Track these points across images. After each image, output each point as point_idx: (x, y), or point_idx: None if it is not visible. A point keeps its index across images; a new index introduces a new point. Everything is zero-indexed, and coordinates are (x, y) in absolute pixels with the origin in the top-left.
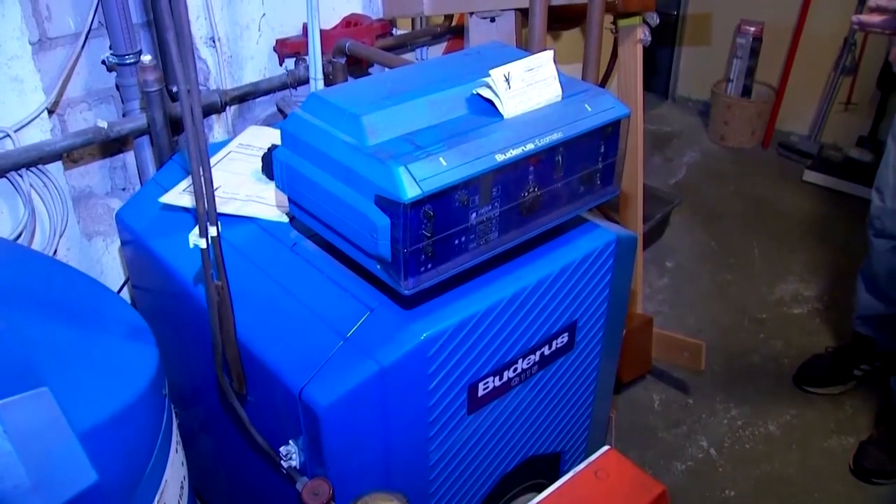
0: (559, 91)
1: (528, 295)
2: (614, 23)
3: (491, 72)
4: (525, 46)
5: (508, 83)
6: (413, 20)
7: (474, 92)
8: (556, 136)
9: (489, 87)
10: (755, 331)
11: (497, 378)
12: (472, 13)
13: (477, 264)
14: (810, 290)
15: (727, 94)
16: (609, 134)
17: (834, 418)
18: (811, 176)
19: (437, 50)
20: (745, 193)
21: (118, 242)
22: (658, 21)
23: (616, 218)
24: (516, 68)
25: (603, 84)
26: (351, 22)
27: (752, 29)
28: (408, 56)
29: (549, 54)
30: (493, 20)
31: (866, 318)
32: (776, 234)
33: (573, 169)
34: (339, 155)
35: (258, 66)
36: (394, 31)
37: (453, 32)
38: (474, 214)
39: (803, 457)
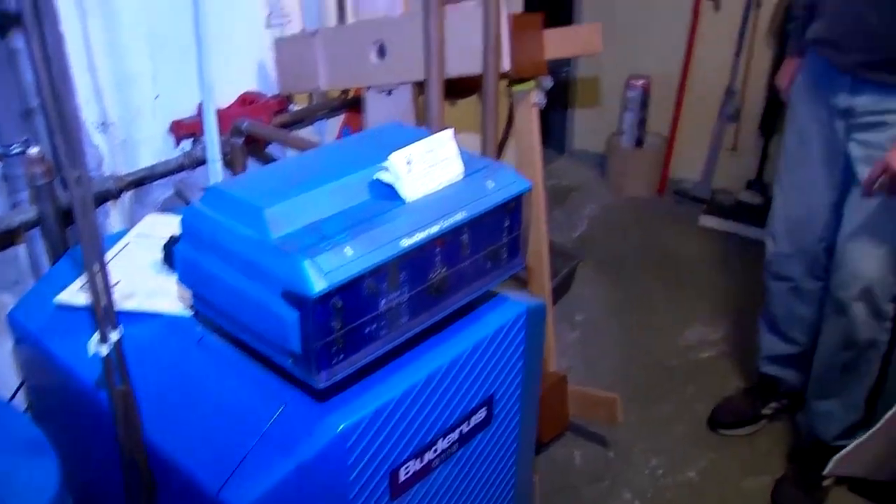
0: (461, 169)
1: (443, 375)
2: (509, 86)
3: (391, 156)
4: (422, 118)
5: (409, 166)
6: (310, 94)
7: (376, 177)
8: (460, 217)
9: (391, 171)
10: (667, 378)
11: (418, 461)
12: (368, 87)
13: (390, 349)
14: (716, 334)
15: (621, 146)
16: (512, 208)
17: (749, 459)
18: (707, 221)
19: (335, 122)
20: (646, 242)
21: (11, 342)
22: (552, 84)
23: (525, 277)
24: (417, 150)
25: (501, 146)
26: (247, 100)
27: (640, 83)
28: (307, 130)
29: (448, 134)
30: (389, 94)
31: (771, 358)
32: (679, 280)
33: (479, 246)
34: (242, 250)
35: (154, 148)
36: (291, 107)
37: (350, 105)
38: (384, 301)
39: (723, 500)
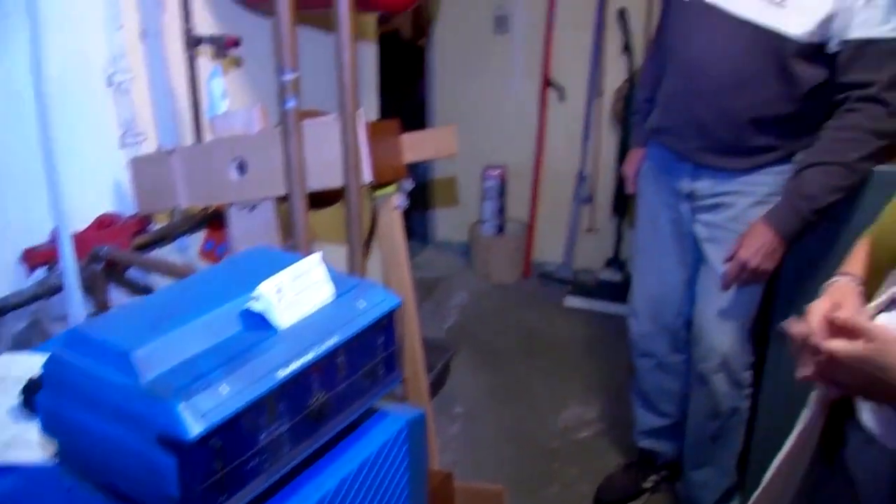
0: (331, 291)
1: (332, 499)
2: (371, 192)
3: (261, 286)
4: (286, 232)
5: (280, 294)
6: (171, 212)
7: (247, 306)
8: (334, 341)
9: (261, 300)
10: (550, 461)
11: None
12: (230, 204)
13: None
14: (593, 412)
15: (483, 235)
16: (385, 325)
17: None
18: (572, 301)
19: (197, 238)
20: (516, 326)
21: None
22: (413, 185)
23: (402, 387)
24: (286, 278)
25: (367, 246)
26: (104, 222)
27: (496, 172)
28: (169, 248)
29: (316, 258)
30: (252, 209)
31: (646, 433)
32: (552, 362)
33: (356, 367)
34: (111, 397)
35: (5, 279)
36: (151, 226)
37: (212, 218)
38: (264, 434)
39: None
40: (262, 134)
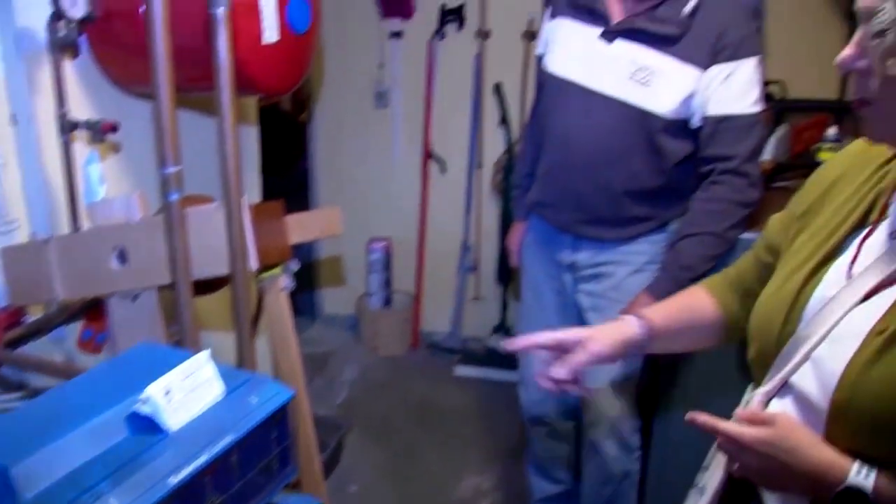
0: (222, 388)
1: None
2: (257, 275)
3: (148, 388)
4: (170, 319)
5: (168, 396)
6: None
7: (134, 409)
8: (226, 441)
9: (149, 403)
10: None
11: None
12: (111, 294)
13: None
14: (488, 483)
15: (371, 308)
16: (279, 419)
17: None
18: (462, 370)
19: (75, 328)
20: (408, 399)
21: None
22: (299, 266)
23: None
24: (174, 378)
25: (254, 326)
26: None
27: (381, 245)
28: (45, 340)
29: (205, 356)
30: (134, 299)
31: (542, 500)
32: (446, 433)
33: (250, 465)
34: None
35: None
36: (25, 319)
37: (90, 307)
38: None
39: None
40: (144, 222)
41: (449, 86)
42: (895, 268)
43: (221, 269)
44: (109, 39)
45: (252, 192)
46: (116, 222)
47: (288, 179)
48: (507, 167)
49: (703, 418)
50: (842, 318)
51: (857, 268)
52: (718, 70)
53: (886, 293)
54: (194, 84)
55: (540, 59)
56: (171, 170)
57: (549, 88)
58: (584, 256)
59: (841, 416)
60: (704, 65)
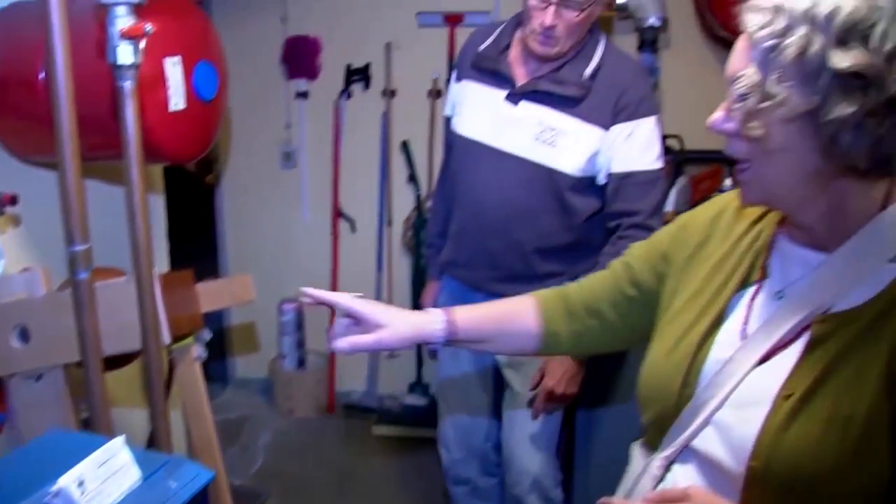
0: (138, 475)
1: None
2: (168, 346)
3: (60, 480)
4: (80, 396)
5: (82, 487)
6: None
7: (45, 502)
8: None
9: (61, 496)
10: None
11: None
12: (11, 374)
13: None
14: None
15: (284, 370)
16: (199, 501)
17: None
18: (380, 429)
19: None
20: (326, 462)
21: None
22: (210, 335)
23: None
24: (88, 468)
25: (166, 399)
26: None
27: (293, 305)
28: None
29: (119, 442)
30: (38, 379)
31: None
32: (366, 496)
33: None
34: None
35: None
36: None
37: None
38: None
39: None
40: (48, 297)
41: (356, 144)
42: (787, 329)
43: (133, 345)
44: (6, 108)
45: (160, 260)
46: (17, 299)
47: (195, 242)
48: (416, 224)
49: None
50: (741, 381)
51: (749, 329)
52: (620, 129)
53: (783, 355)
54: (98, 152)
55: (448, 120)
56: (80, 248)
57: (459, 149)
58: None
59: (759, 483)
60: (606, 124)
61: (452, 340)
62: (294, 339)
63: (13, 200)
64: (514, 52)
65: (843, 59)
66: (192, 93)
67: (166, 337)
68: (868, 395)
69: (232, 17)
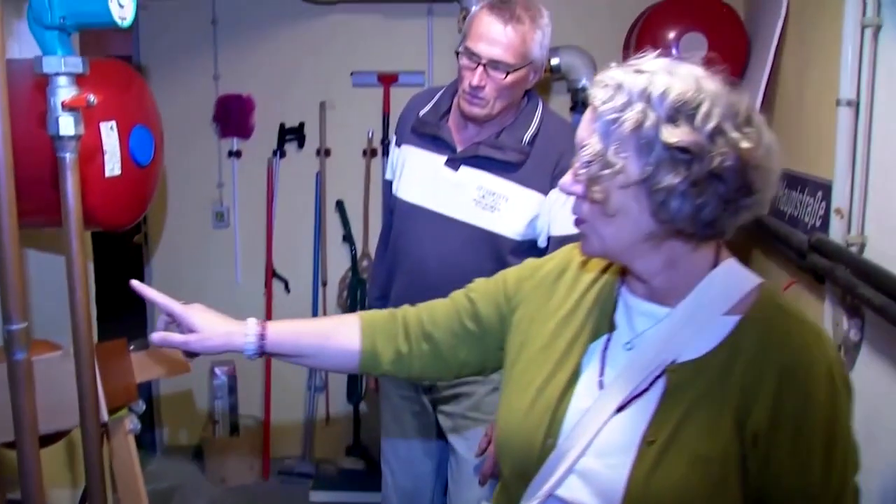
0: None
1: None
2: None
3: None
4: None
5: None
6: None
7: None
8: None
9: None
10: None
11: None
12: None
13: None
14: None
15: (216, 436)
16: None
17: None
18: (317, 496)
19: None
20: None
21: None
22: (144, 407)
23: None
24: None
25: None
26: None
27: (225, 369)
28: None
29: None
30: None
31: None
32: None
33: None
34: None
35: None
36: None
37: None
38: None
39: None
40: None
41: (290, 204)
42: (642, 378)
43: (70, 423)
44: None
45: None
46: None
47: (121, 303)
48: (352, 284)
49: None
50: (601, 429)
51: (606, 379)
52: (558, 194)
53: (640, 403)
54: (28, 219)
55: (389, 184)
56: (18, 327)
57: (401, 214)
58: None
59: None
60: (545, 189)
61: (264, 353)
62: (226, 403)
63: None
64: (453, 118)
65: (672, 135)
66: (127, 158)
67: (104, 415)
68: (722, 438)
69: (163, 74)
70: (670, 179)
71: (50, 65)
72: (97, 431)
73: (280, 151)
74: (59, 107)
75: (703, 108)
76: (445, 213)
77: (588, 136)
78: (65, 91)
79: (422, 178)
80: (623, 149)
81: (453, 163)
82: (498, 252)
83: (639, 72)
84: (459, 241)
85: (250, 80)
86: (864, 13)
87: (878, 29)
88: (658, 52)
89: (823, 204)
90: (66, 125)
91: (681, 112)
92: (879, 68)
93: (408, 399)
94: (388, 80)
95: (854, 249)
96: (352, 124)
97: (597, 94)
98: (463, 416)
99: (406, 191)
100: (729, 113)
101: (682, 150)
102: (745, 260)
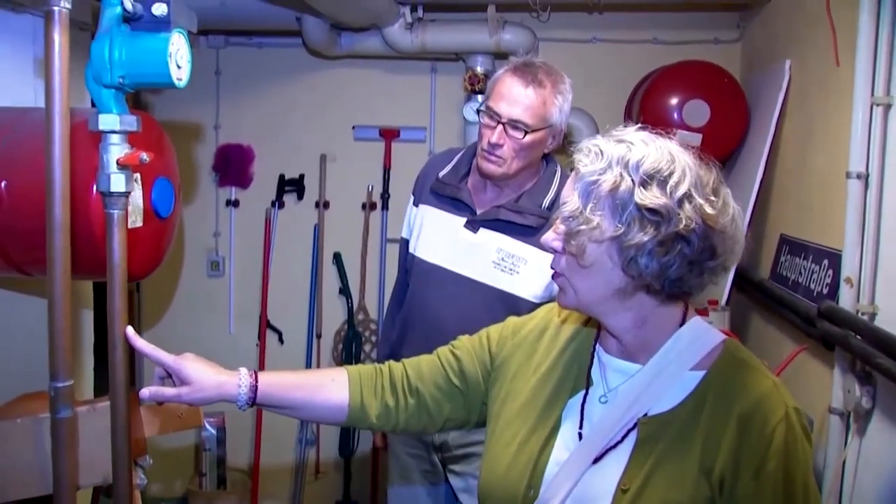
0: None
1: None
2: None
3: None
4: None
5: None
6: None
7: None
8: None
9: None
10: None
11: None
12: None
13: None
14: None
15: (203, 489)
16: None
17: None
18: None
19: None
20: None
21: None
22: (150, 462)
23: None
24: None
25: None
26: None
27: (215, 420)
28: None
29: None
30: None
31: None
32: None
33: None
34: None
35: None
36: None
37: None
38: None
39: None
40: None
41: (287, 255)
42: (616, 431)
43: (100, 479)
44: None
45: (87, 377)
46: None
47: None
48: (347, 337)
49: None
50: (579, 479)
51: (585, 431)
52: None
53: (614, 454)
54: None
55: (406, 243)
56: (63, 384)
57: (418, 272)
58: (453, 436)
59: None
60: None
61: (255, 404)
62: (215, 455)
63: None
64: (473, 180)
65: (644, 197)
66: (149, 209)
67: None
68: (689, 485)
69: (163, 121)
70: (640, 237)
71: (106, 123)
72: (127, 487)
73: (279, 202)
74: (113, 164)
75: (675, 177)
76: (465, 273)
77: (570, 195)
78: (117, 149)
79: (441, 238)
80: (599, 207)
81: (473, 224)
82: (517, 312)
83: (619, 141)
84: (478, 302)
85: (251, 130)
86: (872, 92)
87: (888, 107)
88: (638, 125)
89: (830, 272)
90: (118, 182)
91: (654, 178)
92: (890, 144)
93: (417, 458)
94: (389, 134)
95: (865, 318)
96: (352, 177)
97: (581, 159)
98: (475, 476)
99: (424, 250)
100: (698, 183)
101: (652, 211)
102: (745, 323)
